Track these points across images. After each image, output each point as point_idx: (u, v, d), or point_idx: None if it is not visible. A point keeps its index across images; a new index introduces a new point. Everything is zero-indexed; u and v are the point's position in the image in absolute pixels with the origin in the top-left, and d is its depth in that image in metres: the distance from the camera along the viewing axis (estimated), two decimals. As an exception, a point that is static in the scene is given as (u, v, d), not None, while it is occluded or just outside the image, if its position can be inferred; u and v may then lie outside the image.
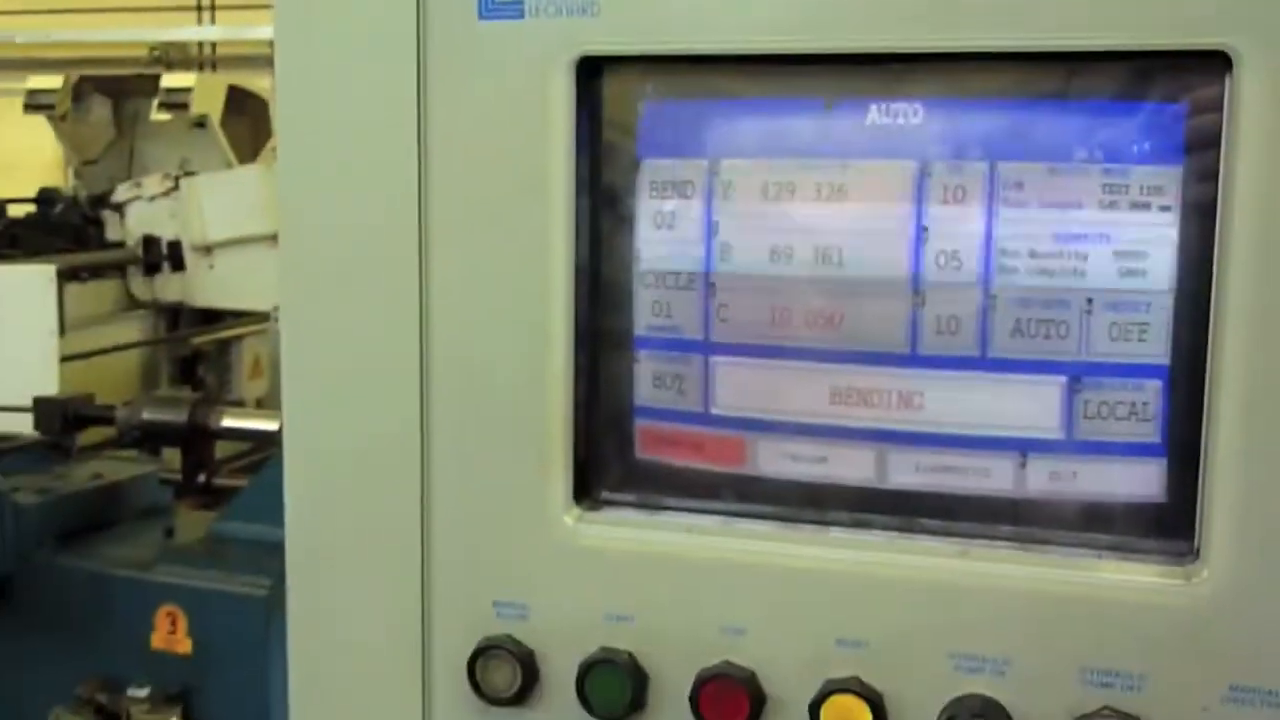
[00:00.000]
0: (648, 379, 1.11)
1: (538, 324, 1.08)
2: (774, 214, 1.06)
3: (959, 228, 1.00)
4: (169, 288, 7.63)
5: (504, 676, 1.10)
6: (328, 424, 1.16)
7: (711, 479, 1.10)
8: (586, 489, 1.11)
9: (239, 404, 6.51)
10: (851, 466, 1.07)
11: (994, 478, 1.03)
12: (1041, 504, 1.02)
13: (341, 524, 1.15)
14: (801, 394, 1.07)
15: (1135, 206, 0.95)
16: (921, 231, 1.01)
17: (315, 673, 1.19)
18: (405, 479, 1.12)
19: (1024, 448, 1.02)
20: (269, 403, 6.68)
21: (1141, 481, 1.00)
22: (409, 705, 1.14)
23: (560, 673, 1.09)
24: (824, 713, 1.01)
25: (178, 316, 7.76)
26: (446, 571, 1.13)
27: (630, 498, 1.11)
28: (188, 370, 7.51)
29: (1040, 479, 1.02)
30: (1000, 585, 1.00)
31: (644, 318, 1.10)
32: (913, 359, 1.03)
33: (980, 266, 1.00)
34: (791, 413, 1.08)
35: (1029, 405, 1.01)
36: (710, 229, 1.08)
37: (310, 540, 1.17)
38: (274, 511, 2.40)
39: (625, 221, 1.10)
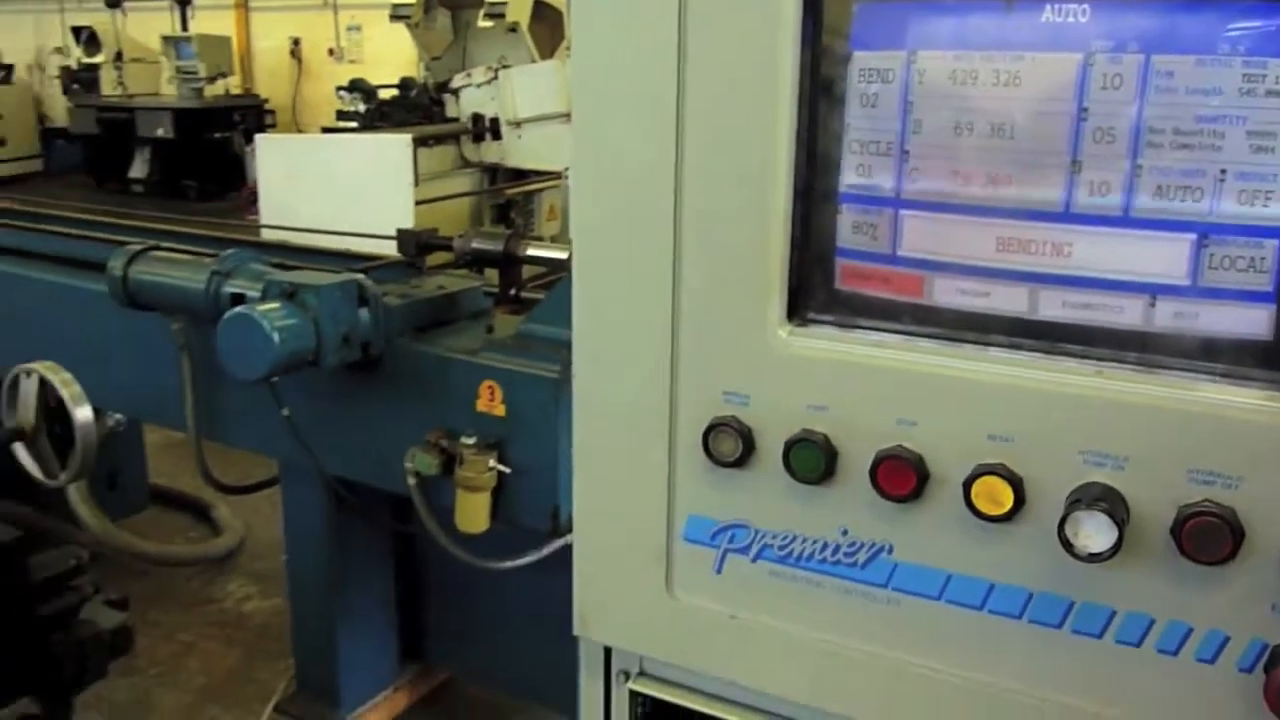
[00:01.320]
0: (848, 226, 1.09)
1: (765, 181, 1.07)
2: (959, 96, 1.01)
3: (1114, 109, 0.94)
4: (490, 152, 7.85)
5: (729, 446, 1.12)
6: (605, 253, 1.18)
7: (895, 306, 1.08)
8: (797, 310, 1.10)
9: (539, 239, 6.70)
10: (1009, 301, 1.03)
11: (1126, 314, 0.98)
12: (1165, 336, 0.97)
13: (614, 326, 1.19)
14: (971, 241, 1.04)
15: (1270, 94, 0.87)
16: (1082, 112, 0.95)
17: (592, 434, 1.24)
18: (660, 296, 1.14)
19: (1154, 291, 0.96)
20: (560, 239, 6.85)
21: (1253, 322, 0.94)
22: (658, 463, 1.19)
23: (771, 446, 1.11)
24: (975, 489, 1.01)
25: (496, 174, 7.99)
26: (689, 368, 1.15)
27: (830, 318, 1.10)
28: (502, 213, 7.76)
29: (1166, 317, 0.97)
30: (1126, 399, 0.97)
31: (848, 178, 1.08)
32: (1066, 216, 0.98)
33: (1130, 141, 0.94)
34: (962, 256, 1.05)
35: (1162, 256, 0.95)
36: (906, 108, 1.04)
37: (591, 338, 1.22)
38: (564, 317, 2.48)
39: (837, 101, 1.07)
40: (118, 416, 3.59)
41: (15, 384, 1.97)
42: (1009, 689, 1.06)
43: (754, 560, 1.16)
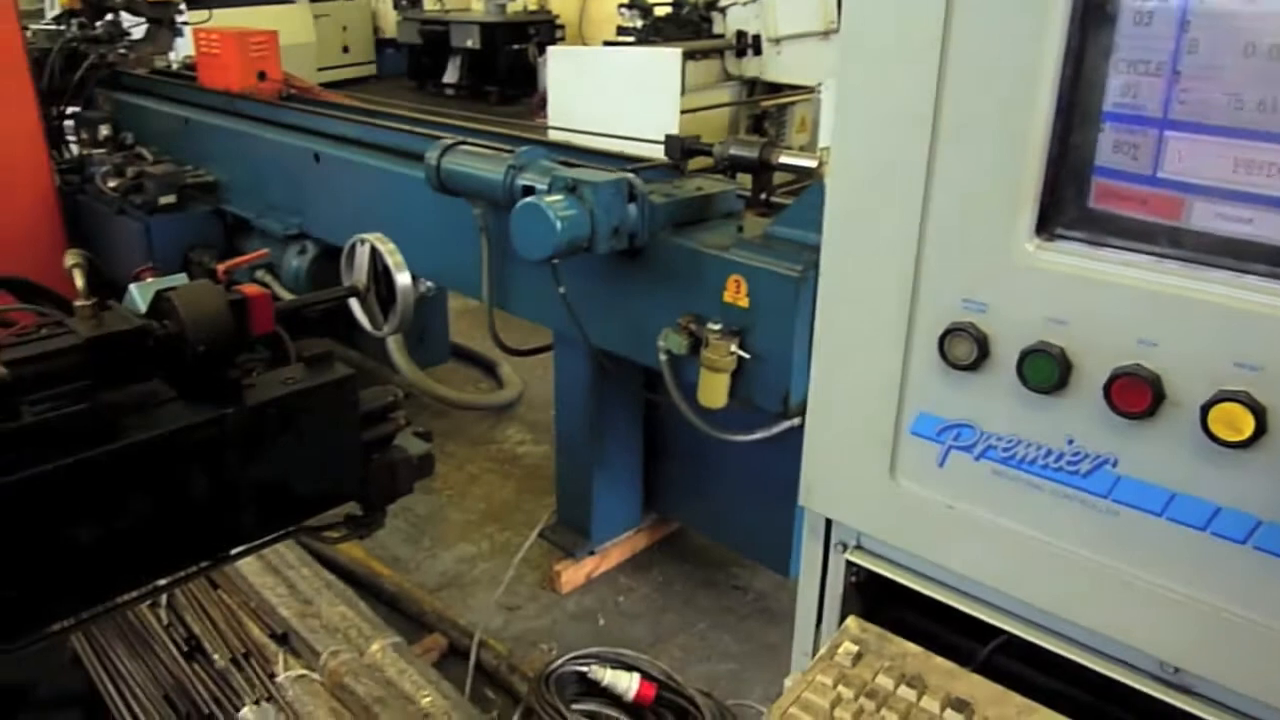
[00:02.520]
0: (1109, 146, 0.98)
1: (1028, 96, 0.97)
2: (1244, 15, 0.87)
3: None
4: (749, 67, 7.66)
5: (964, 350, 1.06)
6: (861, 159, 1.13)
7: (1150, 228, 0.97)
8: (1046, 225, 1.01)
9: (789, 148, 6.52)
10: (1275, 228, 0.90)
11: None
12: None
13: (864, 227, 1.13)
14: (1240, 166, 0.91)
15: None
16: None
17: (834, 326, 1.20)
18: (911, 202, 1.08)
19: None
20: (809, 149, 6.63)
21: None
22: (893, 360, 1.14)
23: (1006, 353, 1.04)
24: (1212, 414, 0.91)
25: (754, 86, 7.79)
26: (932, 273, 1.09)
27: (1080, 235, 1.00)
28: (757, 124, 7.58)
29: None
30: (1396, 338, 0.83)
31: (1113, 97, 0.96)
32: (1353, 144, 0.84)
33: None
34: (1228, 181, 0.92)
35: None
36: (1182, 27, 0.91)
37: (841, 237, 1.17)
38: (809, 221, 2.41)
39: (1109, 20, 0.95)
40: (428, 283, 3.85)
41: (352, 251, 2.13)
42: (1226, 610, 0.97)
43: (977, 459, 1.11)
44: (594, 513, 3.46)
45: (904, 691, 1.16)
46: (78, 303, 1.45)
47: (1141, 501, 1.00)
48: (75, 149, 5.63)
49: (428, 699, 2.65)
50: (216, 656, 2.79)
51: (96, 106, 5.55)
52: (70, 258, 1.54)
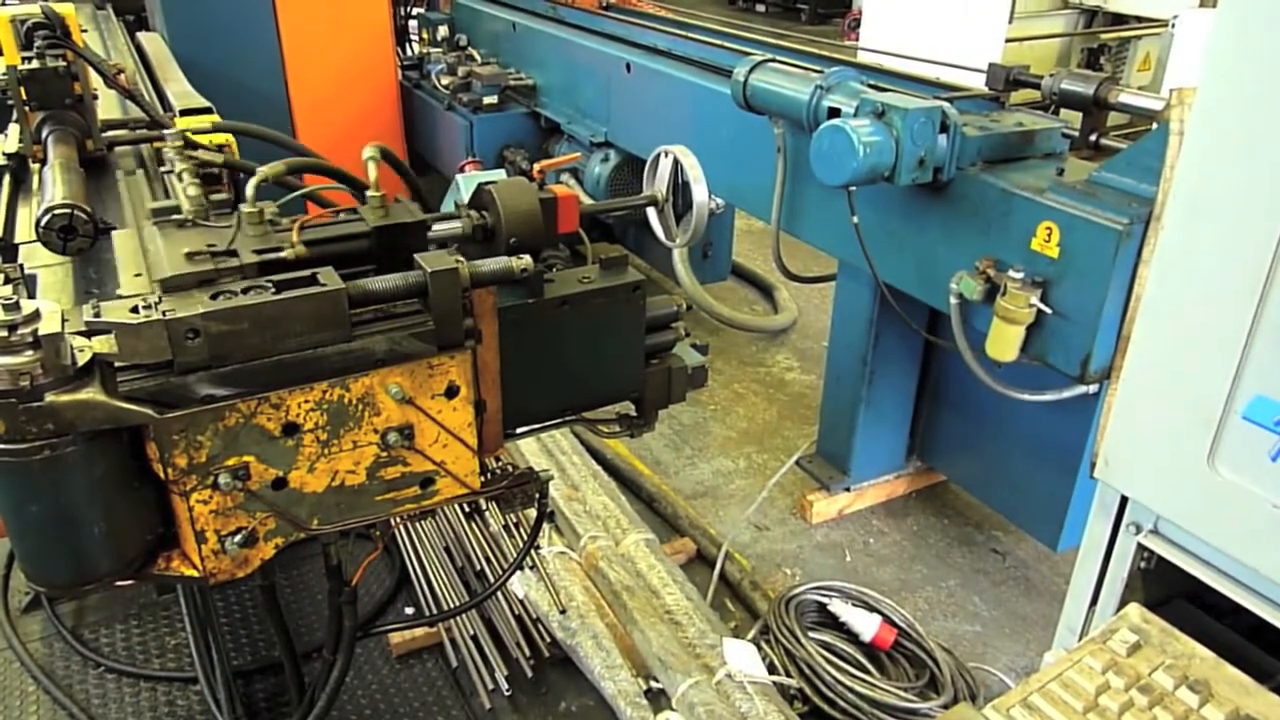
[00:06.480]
0: None
1: None
2: None
3: None
4: (1098, -9, 6.90)
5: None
6: (1231, 105, 0.98)
7: None
8: None
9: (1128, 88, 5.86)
10: None
11: None
12: None
13: (1221, 183, 1.00)
14: None
15: None
16: None
17: (1169, 287, 1.08)
18: (1290, 160, 0.93)
19: None
20: (1149, 90, 5.93)
21: None
22: (1236, 333, 1.01)
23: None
24: None
25: (1093, 17, 7.03)
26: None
27: None
28: (1092, 58, 6.86)
29: None
30: None
31: None
32: None
33: None
34: None
35: None
36: None
37: (1192, 189, 1.03)
38: (1143, 170, 2.17)
39: None
40: (719, 200, 3.88)
41: (656, 161, 2.18)
42: None
43: (1322, 458, 0.97)
44: (855, 450, 3.41)
45: (1184, 695, 1.06)
46: (369, 193, 1.59)
47: None
48: (416, 47, 6.15)
49: (672, 597, 2.77)
50: (492, 521, 3.06)
51: (437, 8, 6.01)
52: (368, 150, 1.64)
